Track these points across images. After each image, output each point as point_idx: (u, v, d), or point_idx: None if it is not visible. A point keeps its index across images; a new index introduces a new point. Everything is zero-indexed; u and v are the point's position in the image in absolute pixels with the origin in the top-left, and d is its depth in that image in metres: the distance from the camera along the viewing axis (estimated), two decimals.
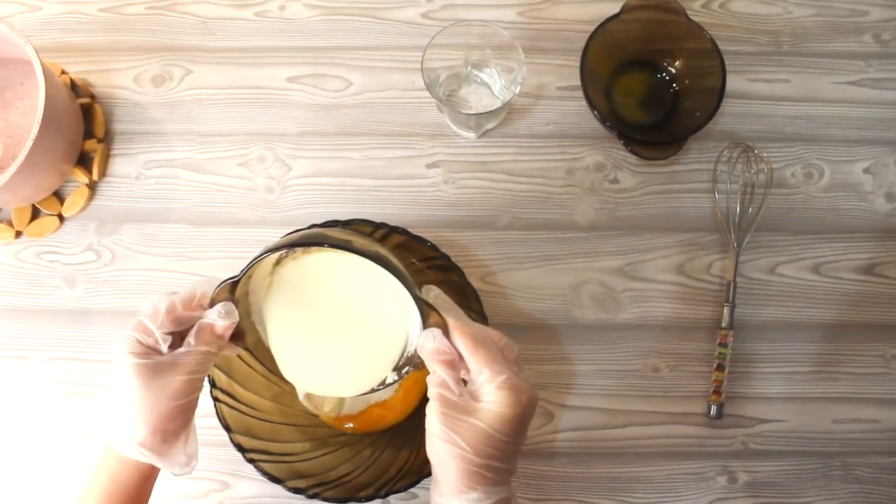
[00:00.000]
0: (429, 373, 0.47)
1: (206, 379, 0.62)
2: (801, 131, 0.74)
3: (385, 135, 0.75)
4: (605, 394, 0.69)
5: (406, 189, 0.73)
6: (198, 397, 0.49)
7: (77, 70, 0.77)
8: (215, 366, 0.62)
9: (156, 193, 0.74)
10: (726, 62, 0.68)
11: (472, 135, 0.74)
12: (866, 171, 0.74)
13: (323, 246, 0.47)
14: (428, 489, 0.67)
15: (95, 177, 0.74)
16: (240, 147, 0.75)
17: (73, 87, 0.76)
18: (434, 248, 0.66)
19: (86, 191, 0.74)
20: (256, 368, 0.66)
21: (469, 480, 0.43)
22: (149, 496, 0.51)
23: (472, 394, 0.45)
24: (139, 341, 0.47)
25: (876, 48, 0.76)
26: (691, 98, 0.72)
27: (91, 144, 0.74)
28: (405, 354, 0.52)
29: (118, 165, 0.75)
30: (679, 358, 0.70)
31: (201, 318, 0.49)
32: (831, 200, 0.73)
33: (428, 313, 0.47)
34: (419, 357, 0.47)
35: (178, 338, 0.49)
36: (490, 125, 0.74)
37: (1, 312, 0.72)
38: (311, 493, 0.60)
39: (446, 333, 0.47)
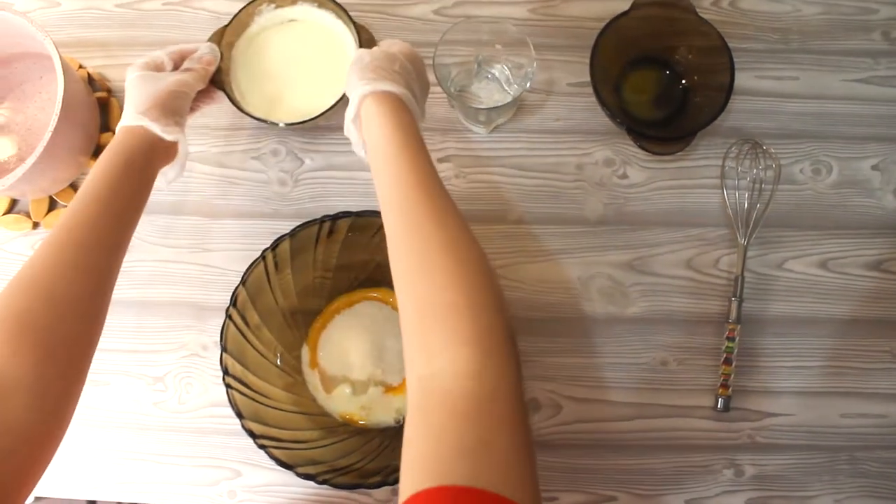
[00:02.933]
0: None
1: (220, 366, 0.63)
2: (809, 128, 0.75)
3: None
4: (614, 386, 0.70)
5: None
6: (187, 95, 0.63)
7: (94, 64, 0.78)
8: (228, 353, 0.63)
9: (171, 186, 0.74)
10: (735, 59, 0.68)
11: (483, 130, 0.75)
12: (874, 167, 0.74)
13: None
14: None
15: None
16: (253, 141, 0.76)
17: (90, 81, 0.77)
18: None
19: None
20: (269, 357, 0.67)
21: (365, 73, 0.56)
22: (151, 177, 0.60)
23: None
24: (148, 63, 0.63)
25: (885, 46, 0.77)
26: (700, 94, 0.73)
27: (107, 137, 0.75)
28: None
29: None
30: (687, 351, 0.70)
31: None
32: (839, 197, 0.73)
33: (362, 35, 0.69)
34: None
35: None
36: (501, 120, 0.74)
37: None
38: (321, 479, 0.61)
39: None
